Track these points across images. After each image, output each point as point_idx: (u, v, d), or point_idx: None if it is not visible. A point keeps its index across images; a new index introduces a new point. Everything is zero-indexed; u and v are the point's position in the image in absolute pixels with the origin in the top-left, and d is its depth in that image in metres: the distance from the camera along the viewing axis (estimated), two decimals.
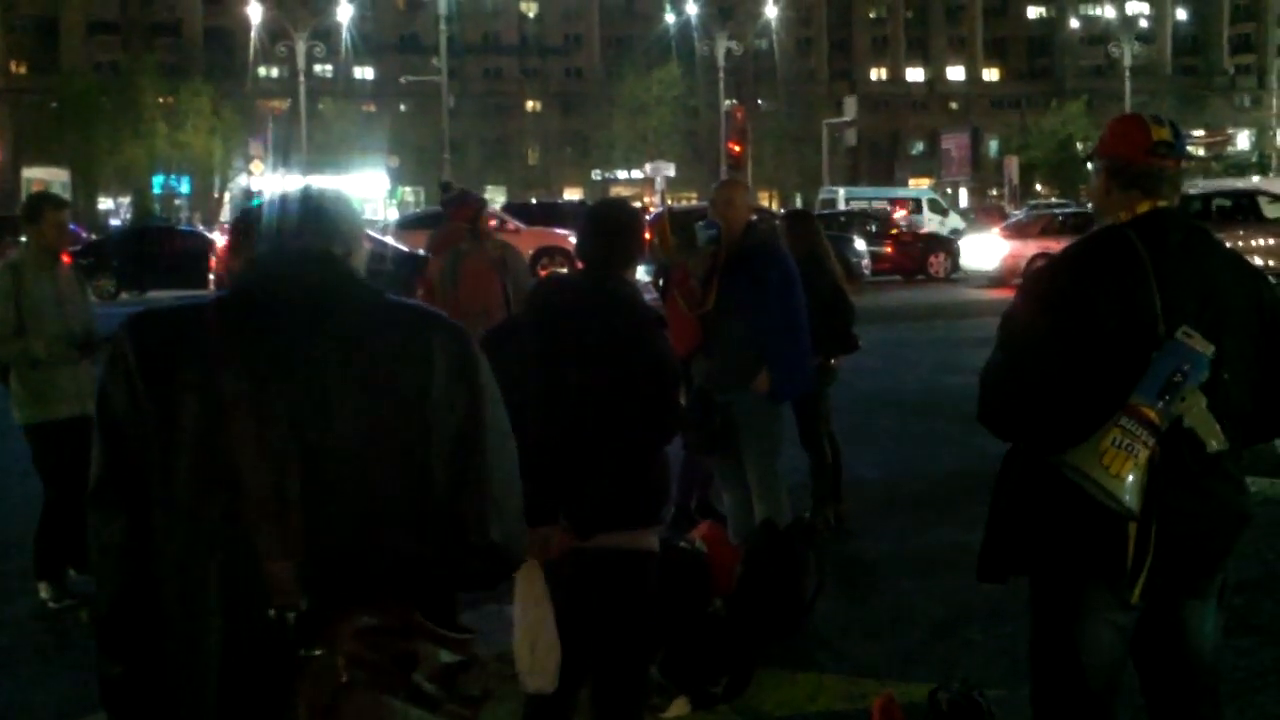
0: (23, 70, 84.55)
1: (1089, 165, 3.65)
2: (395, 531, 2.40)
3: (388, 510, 2.40)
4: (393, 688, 2.28)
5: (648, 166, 58.96)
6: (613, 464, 4.15)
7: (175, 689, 2.42)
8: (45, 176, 54.08)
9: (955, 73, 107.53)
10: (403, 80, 74.89)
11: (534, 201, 50.56)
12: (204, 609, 2.37)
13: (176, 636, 2.40)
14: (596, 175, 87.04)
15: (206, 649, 2.38)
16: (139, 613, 2.43)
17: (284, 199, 2.68)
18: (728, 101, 61.99)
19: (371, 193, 63.91)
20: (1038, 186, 70.87)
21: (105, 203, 71.88)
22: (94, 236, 36.62)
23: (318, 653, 2.28)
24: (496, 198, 67.33)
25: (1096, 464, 3.17)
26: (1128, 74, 68.49)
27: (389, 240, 27.99)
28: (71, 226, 24.68)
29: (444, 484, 2.43)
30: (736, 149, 49.67)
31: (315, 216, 2.62)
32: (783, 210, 39.77)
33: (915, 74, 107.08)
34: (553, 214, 37.55)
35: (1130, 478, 3.17)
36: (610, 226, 4.47)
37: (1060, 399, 3.32)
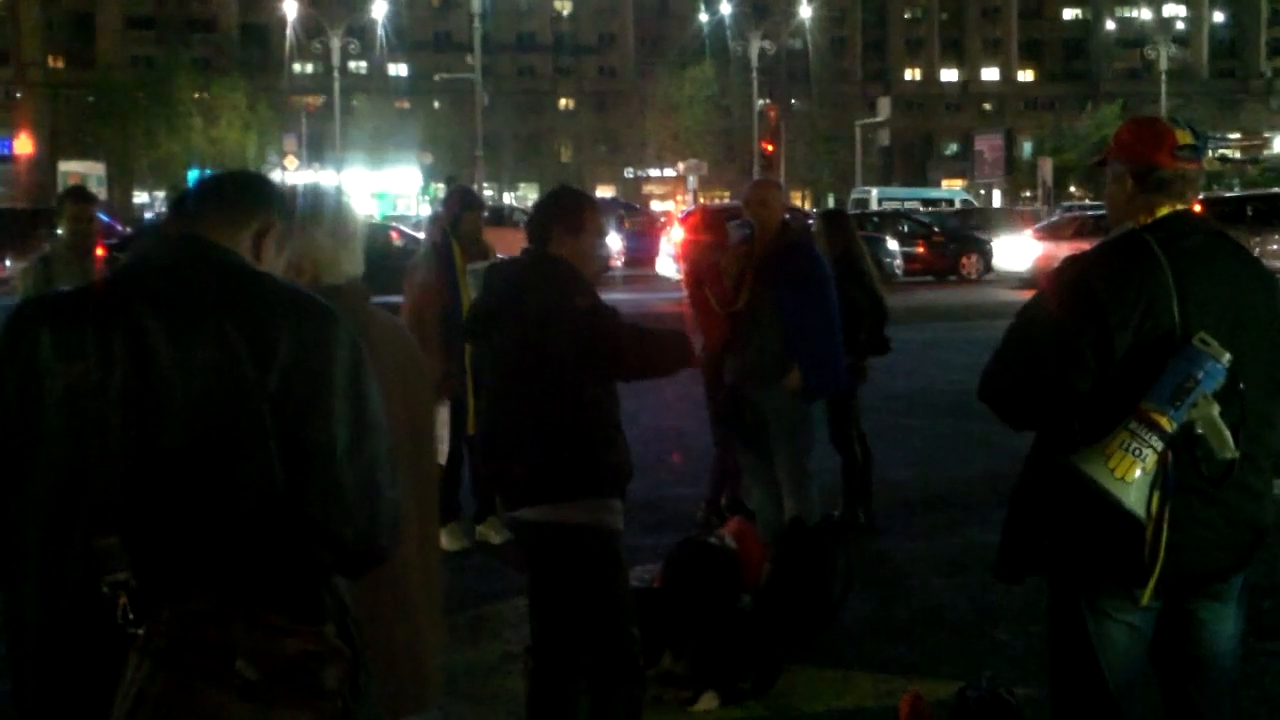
0: (60, 65, 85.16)
1: (1106, 169, 3.61)
2: (228, 516, 2.39)
3: (221, 494, 2.39)
4: (206, 674, 2.24)
5: (680, 165, 58.94)
6: (528, 437, 4.23)
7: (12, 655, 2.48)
8: (81, 170, 54.37)
9: (990, 74, 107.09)
10: (436, 77, 75.03)
11: None
12: (27, 579, 2.43)
13: (10, 604, 2.47)
14: (629, 173, 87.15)
15: (26, 618, 2.44)
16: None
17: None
18: (761, 101, 61.91)
19: (404, 189, 64.08)
20: (1071, 189, 70.47)
21: (141, 196, 72.29)
22: (129, 230, 36.78)
23: (141, 632, 2.28)
24: (529, 195, 67.43)
25: (1102, 467, 3.17)
26: (1164, 77, 68.07)
27: (421, 236, 28.10)
28: (106, 220, 24.82)
29: (285, 472, 2.41)
30: (769, 148, 49.68)
31: (191, 200, 2.66)
32: (815, 210, 39.74)
33: (949, 75, 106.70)
34: None
35: (1135, 482, 3.16)
36: (539, 204, 4.63)
37: (1059, 395, 3.33)
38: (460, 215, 8.12)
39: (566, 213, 4.46)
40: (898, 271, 30.72)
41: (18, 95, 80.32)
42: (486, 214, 8.33)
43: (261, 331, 2.42)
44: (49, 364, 2.42)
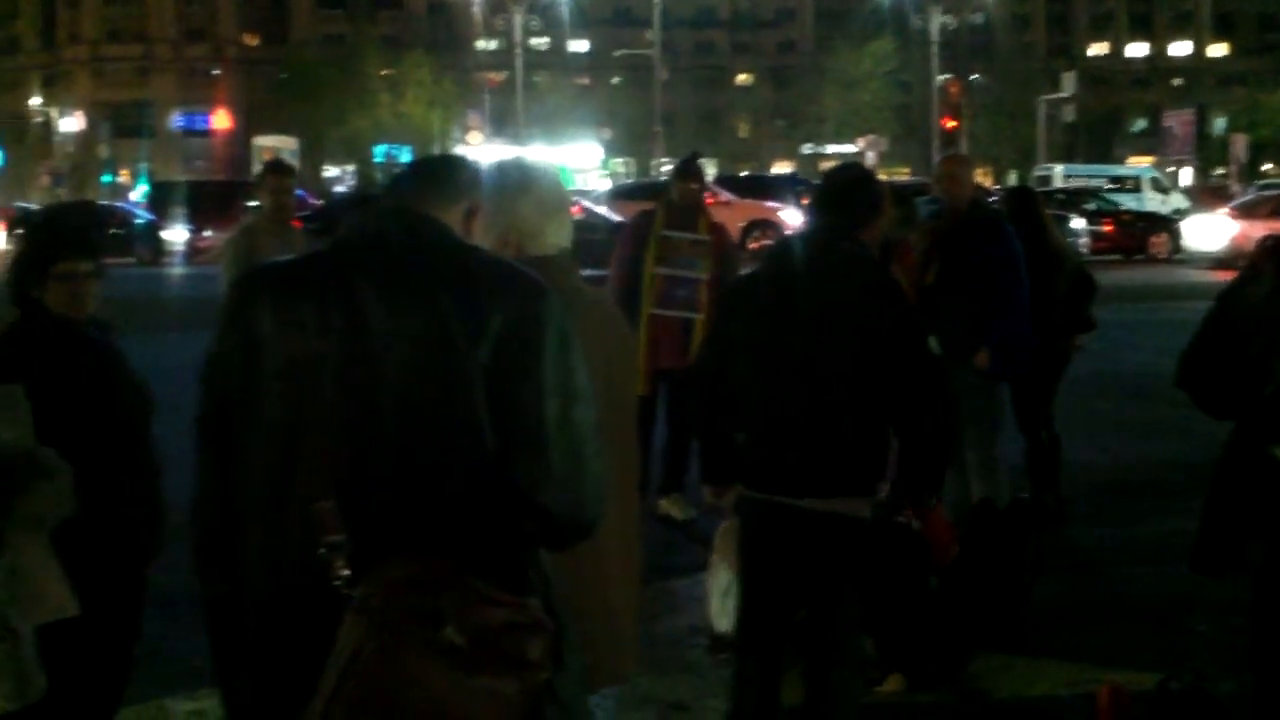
0: (255, 43, 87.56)
1: None
2: (441, 484, 2.42)
3: (434, 463, 2.42)
4: (416, 639, 2.27)
5: (859, 141, 58.32)
6: (829, 429, 4.16)
7: (236, 615, 2.54)
8: (275, 145, 56.03)
9: (1179, 48, 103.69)
10: (616, 53, 75.40)
11: (744, 174, 50.57)
12: (250, 542, 2.50)
13: (234, 567, 2.53)
14: (806, 149, 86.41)
15: (247, 579, 2.50)
16: (226, 540, 2.54)
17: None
18: (941, 76, 60.94)
19: (584, 164, 64.65)
20: (1266, 166, 67.98)
21: (331, 171, 74.13)
22: (321, 203, 37.79)
23: (356, 595, 2.32)
24: (708, 170, 67.57)
25: None
26: None
27: (601, 210, 28.41)
28: (300, 193, 25.56)
29: (495, 443, 2.44)
30: (950, 124, 48.93)
31: (408, 176, 2.72)
32: (997, 187, 39.03)
33: (1137, 49, 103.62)
34: (763, 187, 37.63)
35: None
36: (842, 185, 4.48)
37: (1262, 384, 3.22)
38: (672, 183, 8.35)
39: (876, 197, 4.40)
40: (1083, 250, 30.04)
41: (215, 72, 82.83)
42: (696, 186, 8.37)
43: (475, 304, 2.46)
44: (270, 333, 2.49)
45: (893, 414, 4.20)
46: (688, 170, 8.44)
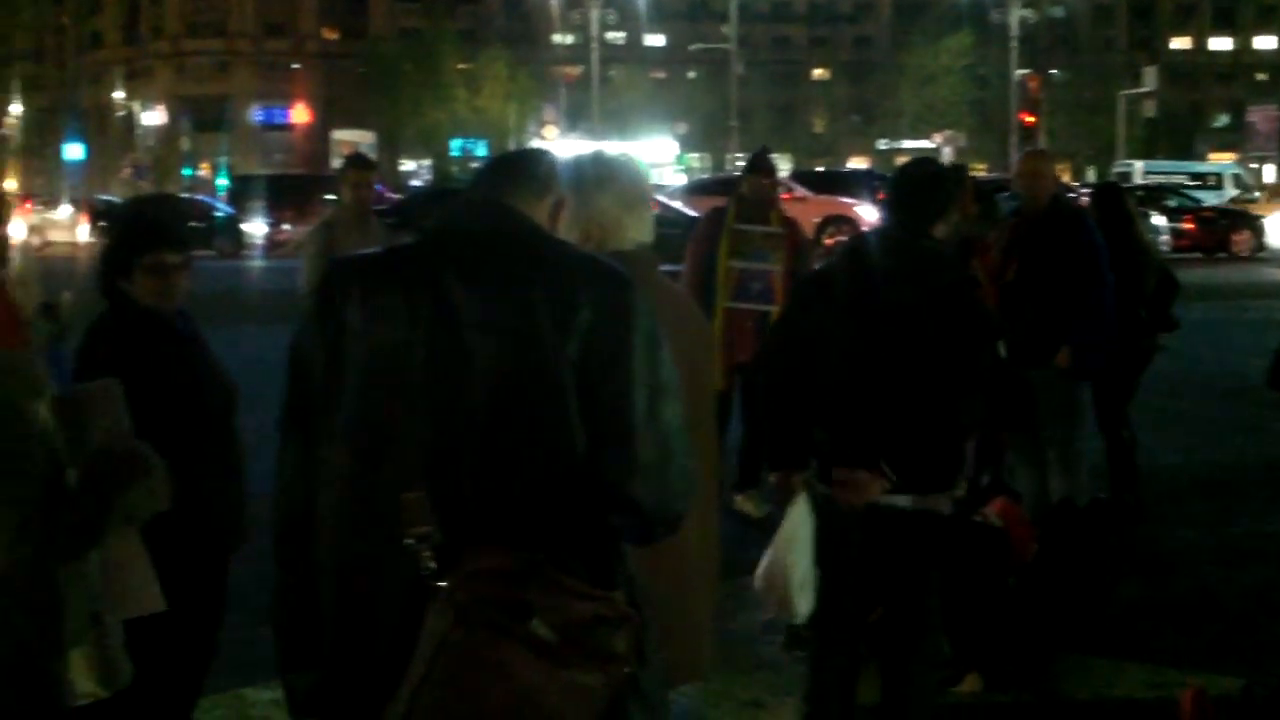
0: (334, 37, 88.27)
1: None
2: (529, 477, 2.42)
3: (522, 455, 2.42)
4: (504, 631, 2.27)
5: (936, 137, 57.85)
6: (920, 425, 4.13)
7: (306, 607, 2.55)
8: (353, 139, 56.59)
9: (1264, 42, 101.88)
10: (692, 48, 75.21)
11: (820, 169, 50.38)
12: (332, 532, 2.49)
13: (318, 558, 2.53)
14: (883, 144, 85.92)
15: (327, 570, 2.50)
16: (305, 530, 2.54)
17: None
18: (1020, 71, 60.30)
19: (659, 158, 64.78)
20: None
21: (407, 164, 74.59)
22: (399, 197, 38.03)
23: (444, 585, 2.31)
24: (783, 165, 67.37)
25: None
26: None
27: (676, 205, 28.42)
28: (378, 187, 25.84)
29: (584, 435, 2.43)
30: (1029, 120, 48.43)
31: (495, 169, 2.72)
32: (1076, 184, 38.58)
33: (1221, 43, 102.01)
34: (839, 182, 37.48)
35: None
36: (915, 181, 4.45)
37: None
38: (744, 178, 8.39)
39: (953, 195, 4.38)
40: (1164, 248, 29.66)
41: (295, 66, 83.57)
42: (767, 180, 8.38)
43: (564, 297, 2.46)
44: (358, 324, 2.49)
45: (942, 404, 4.17)
46: (759, 164, 8.44)
